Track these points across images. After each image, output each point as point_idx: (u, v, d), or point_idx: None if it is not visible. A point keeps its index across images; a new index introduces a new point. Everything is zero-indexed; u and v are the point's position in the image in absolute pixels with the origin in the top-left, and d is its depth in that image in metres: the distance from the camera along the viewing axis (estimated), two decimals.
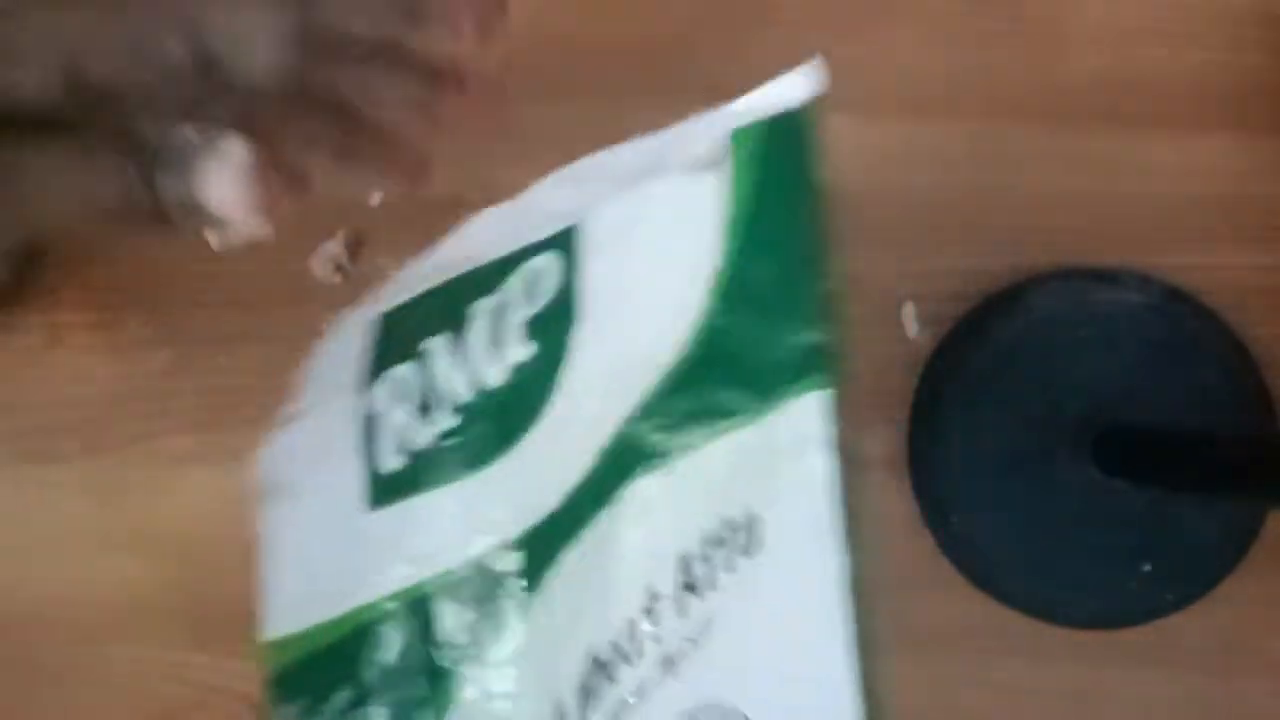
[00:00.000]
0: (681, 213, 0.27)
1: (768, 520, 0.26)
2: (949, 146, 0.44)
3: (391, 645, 0.27)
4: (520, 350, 0.28)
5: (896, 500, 0.43)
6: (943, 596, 0.43)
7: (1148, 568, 0.41)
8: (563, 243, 0.29)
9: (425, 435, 0.28)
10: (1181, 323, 0.42)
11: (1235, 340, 0.42)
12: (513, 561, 0.27)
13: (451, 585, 0.27)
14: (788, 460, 0.26)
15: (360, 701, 0.27)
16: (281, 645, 0.29)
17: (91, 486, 0.43)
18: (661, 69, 0.44)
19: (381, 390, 0.30)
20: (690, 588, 0.26)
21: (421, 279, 0.30)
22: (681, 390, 0.27)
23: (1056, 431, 0.41)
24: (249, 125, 0.22)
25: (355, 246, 0.44)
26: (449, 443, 0.28)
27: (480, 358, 0.28)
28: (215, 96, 0.22)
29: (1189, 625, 0.42)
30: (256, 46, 0.22)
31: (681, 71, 0.44)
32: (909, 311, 0.44)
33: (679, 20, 0.45)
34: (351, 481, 0.29)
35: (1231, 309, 0.43)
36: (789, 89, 0.27)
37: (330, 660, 0.28)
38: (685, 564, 0.26)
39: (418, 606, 0.27)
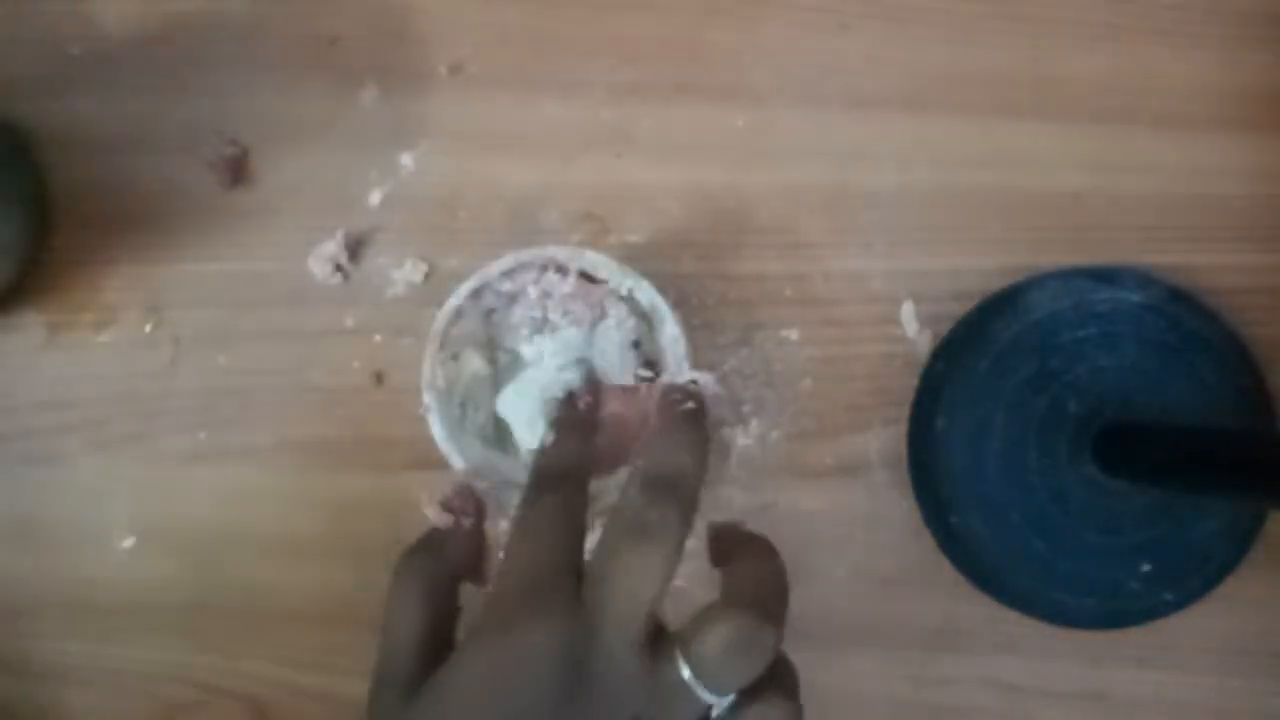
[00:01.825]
0: None
1: None
2: (949, 146, 0.44)
3: None
4: None
5: (896, 500, 0.43)
6: (943, 596, 0.43)
7: (1148, 568, 0.41)
8: None
9: None
10: (1181, 322, 0.42)
11: (1235, 340, 0.42)
12: None
13: None
14: None
15: None
16: None
17: (91, 486, 0.43)
18: (667, 69, 0.45)
19: None
20: None
21: None
22: None
23: (1057, 431, 0.41)
24: None
25: (355, 246, 0.44)
26: None
27: None
28: None
29: (1189, 625, 0.42)
30: None
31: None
32: (909, 311, 0.44)
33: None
34: None
35: (1231, 309, 0.43)
36: None
37: None
38: None
39: None
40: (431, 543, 0.31)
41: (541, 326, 0.40)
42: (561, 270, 0.38)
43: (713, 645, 0.24)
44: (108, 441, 0.43)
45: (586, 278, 0.39)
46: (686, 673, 0.24)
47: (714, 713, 0.25)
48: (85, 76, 0.44)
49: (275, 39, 0.45)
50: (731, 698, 0.25)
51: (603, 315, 0.39)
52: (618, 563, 0.26)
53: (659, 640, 0.25)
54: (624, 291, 0.38)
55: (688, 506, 0.27)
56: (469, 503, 0.31)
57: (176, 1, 0.45)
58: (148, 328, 0.44)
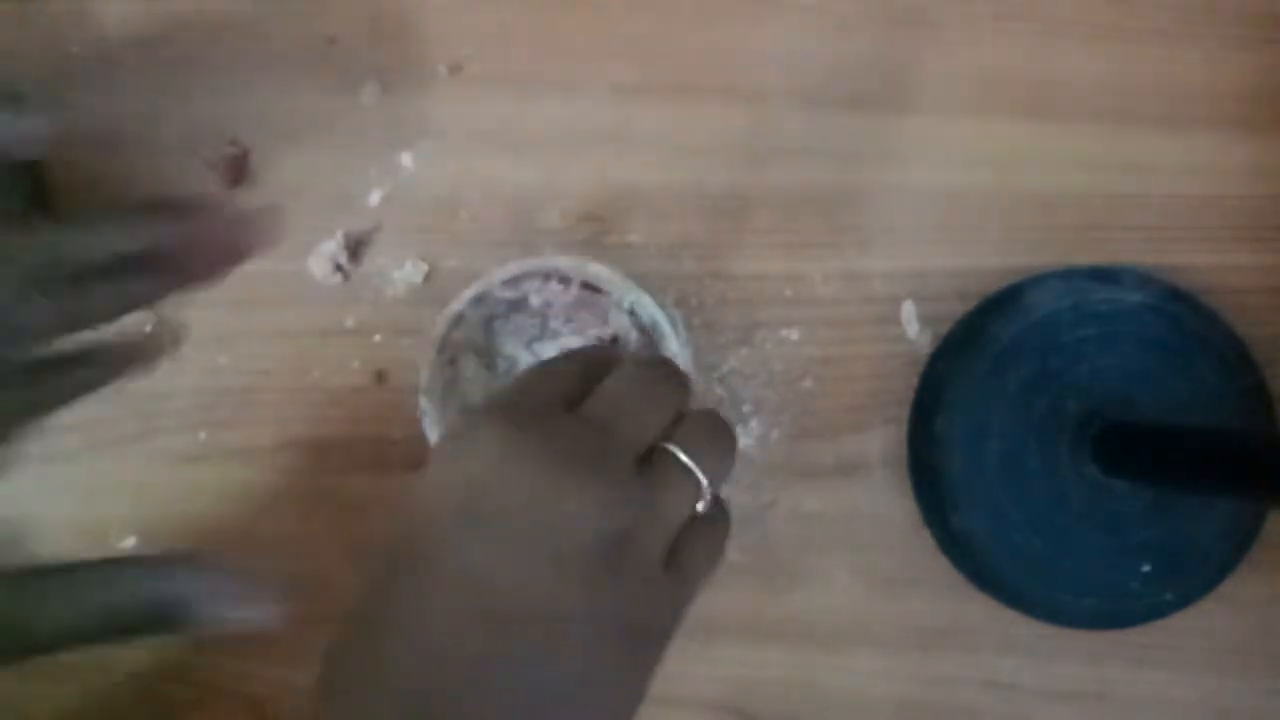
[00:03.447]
0: None
1: None
2: (949, 146, 0.44)
3: None
4: None
5: (897, 500, 0.43)
6: (943, 596, 0.43)
7: (1148, 568, 0.41)
8: None
9: None
10: (1181, 322, 0.42)
11: (1235, 340, 0.42)
12: None
13: None
14: None
15: None
16: None
17: (92, 486, 0.43)
18: (667, 69, 0.45)
19: None
20: None
21: None
22: None
23: (1057, 431, 0.41)
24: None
25: (355, 246, 0.44)
26: None
27: None
28: None
29: (1189, 625, 0.42)
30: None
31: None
32: (909, 311, 0.44)
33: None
34: None
35: (1231, 309, 0.43)
36: None
37: None
38: None
39: None
40: None
41: (541, 334, 0.39)
42: (564, 280, 0.38)
43: (693, 426, 0.28)
44: (108, 441, 0.43)
45: (589, 288, 0.38)
46: (682, 455, 0.28)
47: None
48: (86, 76, 0.44)
49: (275, 39, 0.45)
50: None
51: (604, 325, 0.39)
52: (633, 393, 0.28)
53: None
54: (625, 305, 0.38)
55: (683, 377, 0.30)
56: None
57: (176, 1, 0.45)
58: (148, 328, 0.44)
